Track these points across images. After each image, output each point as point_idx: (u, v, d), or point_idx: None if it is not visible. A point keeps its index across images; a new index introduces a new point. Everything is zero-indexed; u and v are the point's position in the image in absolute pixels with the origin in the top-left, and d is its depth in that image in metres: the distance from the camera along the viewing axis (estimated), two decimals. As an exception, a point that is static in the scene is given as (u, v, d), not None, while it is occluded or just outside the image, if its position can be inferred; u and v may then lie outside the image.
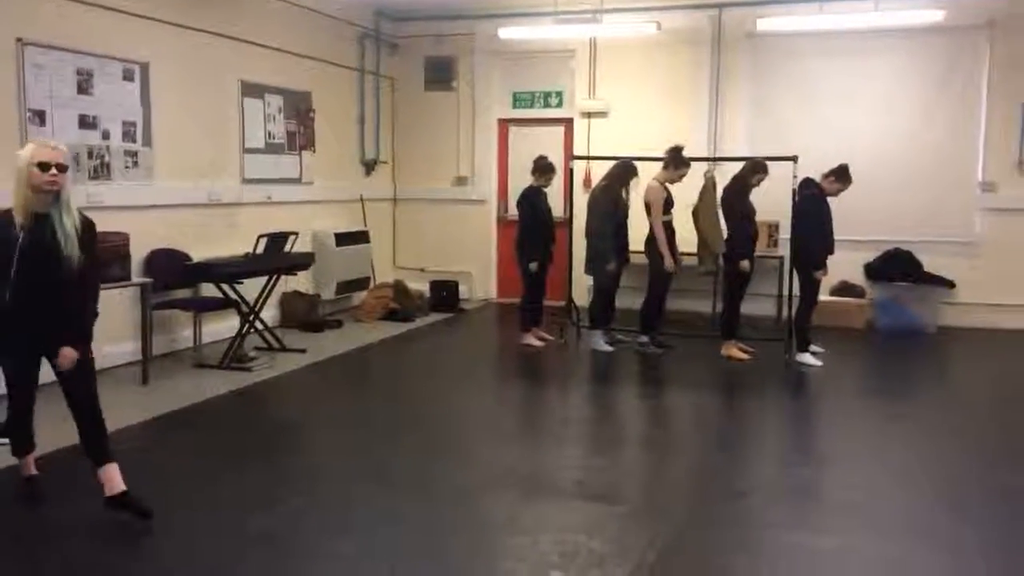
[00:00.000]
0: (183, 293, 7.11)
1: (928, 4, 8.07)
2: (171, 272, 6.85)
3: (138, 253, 6.51)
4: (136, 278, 6.34)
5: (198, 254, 7.13)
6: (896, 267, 8.76)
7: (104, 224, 6.08)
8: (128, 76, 6.71)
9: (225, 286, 6.83)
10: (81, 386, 3.82)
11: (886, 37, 8.68)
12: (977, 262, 8.67)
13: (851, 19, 8.35)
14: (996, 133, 8.58)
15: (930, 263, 8.71)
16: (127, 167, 6.72)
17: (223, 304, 6.93)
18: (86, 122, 6.37)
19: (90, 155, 6.40)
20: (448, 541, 3.74)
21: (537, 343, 7.78)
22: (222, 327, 7.40)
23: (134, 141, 6.77)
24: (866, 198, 8.09)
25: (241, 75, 7.90)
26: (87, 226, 3.74)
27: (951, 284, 8.67)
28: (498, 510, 4.09)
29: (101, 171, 6.49)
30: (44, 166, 3.57)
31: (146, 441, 5.11)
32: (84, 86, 6.34)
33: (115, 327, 6.53)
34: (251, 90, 8.04)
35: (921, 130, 8.77)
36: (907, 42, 8.70)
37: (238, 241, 7.35)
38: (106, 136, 6.53)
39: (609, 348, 7.57)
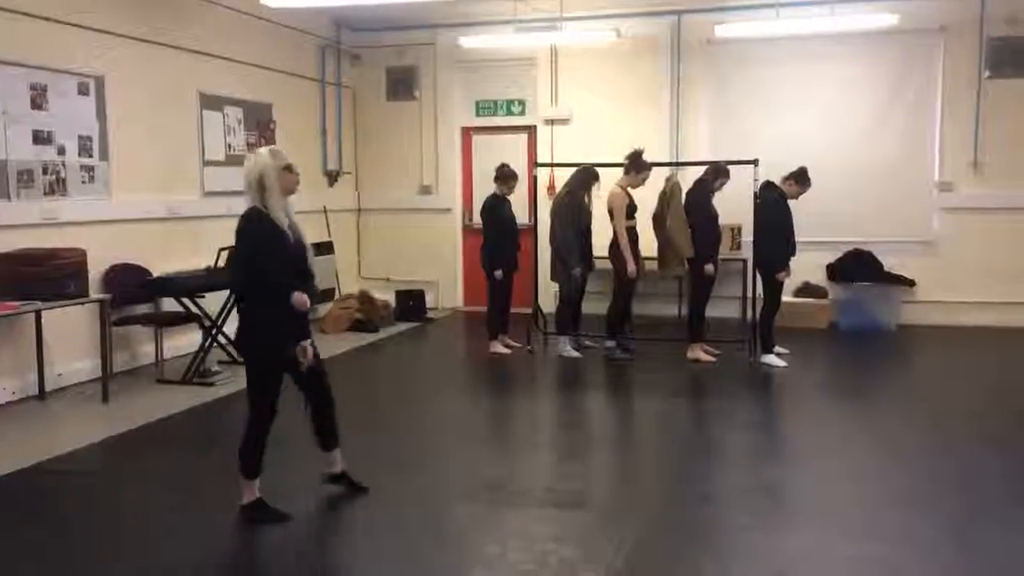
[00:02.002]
0: (144, 308, 7.01)
1: (883, 9, 8.21)
2: (131, 287, 6.75)
3: (96, 269, 6.41)
4: (94, 294, 6.22)
5: (158, 268, 7.03)
6: (857, 267, 8.88)
7: (60, 240, 6.05)
8: (83, 90, 6.61)
9: (186, 300, 6.74)
10: (323, 376, 4.10)
11: (843, 42, 8.81)
12: (935, 261, 8.82)
13: (808, 24, 8.45)
14: (951, 134, 8.74)
15: (890, 263, 8.84)
16: (83, 182, 6.61)
17: (185, 319, 6.84)
18: (40, 137, 6.26)
19: (45, 171, 6.29)
20: (418, 551, 3.71)
21: (504, 350, 7.77)
22: (184, 342, 7.30)
23: (90, 155, 6.67)
24: (826, 200, 8.20)
25: (199, 87, 7.81)
26: None
27: (911, 283, 8.80)
28: (468, 518, 4.07)
29: (57, 186, 6.38)
30: (291, 168, 3.90)
31: (108, 458, 5.03)
32: (38, 101, 6.24)
33: (73, 344, 6.44)
34: (210, 102, 7.96)
35: (879, 132, 8.91)
36: (863, 46, 8.84)
37: (199, 255, 7.26)
38: (61, 151, 6.42)
39: (576, 354, 7.57)
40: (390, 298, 9.58)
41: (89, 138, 6.65)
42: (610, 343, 7.51)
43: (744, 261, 8.52)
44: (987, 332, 8.46)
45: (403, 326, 9.20)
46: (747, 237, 7.92)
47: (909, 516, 4.03)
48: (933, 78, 8.78)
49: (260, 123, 8.66)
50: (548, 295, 8.27)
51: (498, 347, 7.78)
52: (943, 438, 5.28)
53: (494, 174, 7.77)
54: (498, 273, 7.58)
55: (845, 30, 8.51)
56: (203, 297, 6.82)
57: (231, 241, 7.08)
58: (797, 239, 7.18)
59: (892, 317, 8.70)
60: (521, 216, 8.09)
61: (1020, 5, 8.39)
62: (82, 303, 6.07)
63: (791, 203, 7.14)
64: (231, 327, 7.42)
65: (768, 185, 7.11)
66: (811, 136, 8.86)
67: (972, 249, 8.72)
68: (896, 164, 8.88)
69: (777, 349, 7.22)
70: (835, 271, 8.99)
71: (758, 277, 7.23)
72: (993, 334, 8.40)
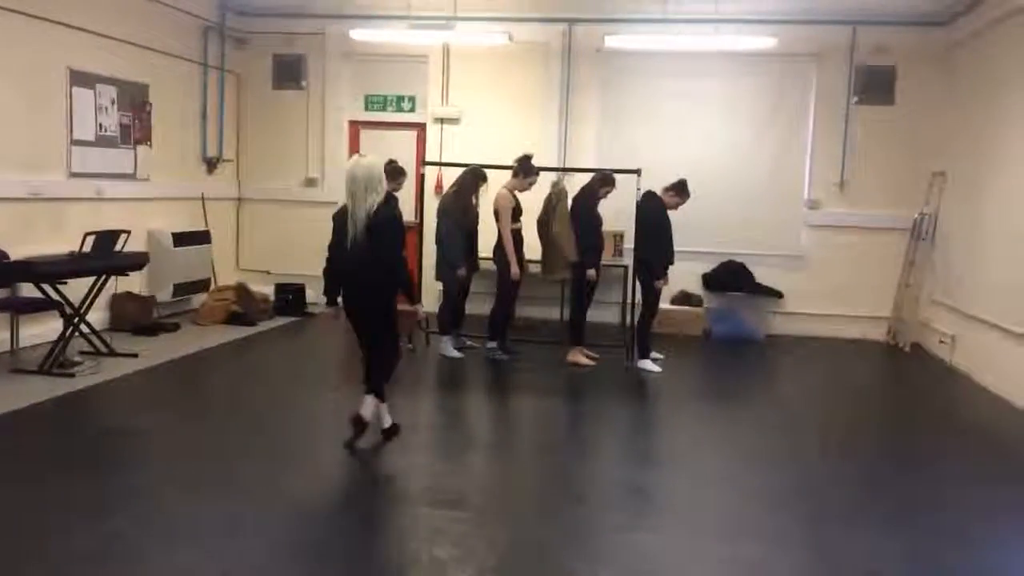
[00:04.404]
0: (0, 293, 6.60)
1: (763, 32, 8.56)
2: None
3: (-53, 249, 5.99)
4: (-57, 276, 5.81)
5: (17, 252, 6.61)
6: (730, 278, 9.23)
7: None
8: (-62, 56, 6.16)
9: (47, 286, 6.36)
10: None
11: (725, 60, 9.13)
12: (802, 275, 9.26)
13: (692, 41, 8.74)
14: (820, 155, 9.19)
15: (761, 275, 9.23)
16: (-65, 155, 6.16)
17: (44, 305, 6.46)
18: None
19: None
20: (286, 551, 3.62)
21: (385, 349, 7.68)
22: (43, 330, 6.89)
23: (-56, 127, 6.22)
24: (704, 212, 8.48)
25: (70, 63, 7.40)
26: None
27: (779, 295, 9.21)
28: (340, 518, 4.00)
29: (-96, 158, 5.91)
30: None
31: (-50, 454, 4.69)
32: None
33: (-83, 329, 5.99)
34: (81, 79, 7.54)
35: (755, 149, 9.29)
36: (744, 67, 9.19)
37: (64, 239, 6.88)
38: (-90, 120, 5.97)
39: (458, 354, 7.57)
40: (269, 291, 9.33)
41: (-57, 108, 6.20)
42: (492, 344, 7.54)
43: (625, 268, 8.71)
44: (847, 344, 8.94)
45: (282, 320, 8.97)
46: (629, 244, 8.10)
47: (766, 517, 4.21)
48: (807, 101, 9.22)
49: (135, 104, 8.28)
50: (432, 294, 8.23)
51: (379, 345, 7.68)
52: (801, 443, 5.55)
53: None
54: (381, 270, 7.49)
55: (728, 49, 8.83)
56: (65, 283, 6.46)
57: (99, 225, 6.82)
58: (676, 248, 7.40)
59: (761, 327, 9.08)
60: (408, 214, 7.99)
61: (886, 36, 8.92)
62: (-72, 285, 5.65)
63: (671, 213, 7.35)
64: (95, 316, 7.12)
65: (649, 195, 7.30)
66: (693, 149, 9.13)
67: (835, 265, 9.19)
68: (770, 181, 9.28)
69: (653, 355, 7.41)
70: (710, 281, 9.31)
71: (637, 284, 7.41)
72: (852, 346, 8.88)
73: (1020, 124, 6.96)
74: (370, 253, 4.73)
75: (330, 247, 4.98)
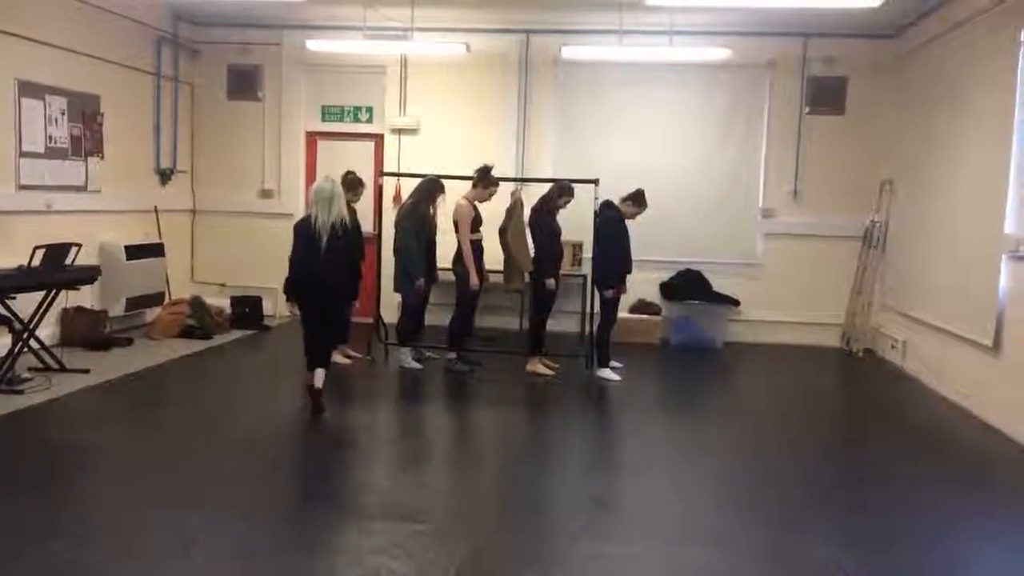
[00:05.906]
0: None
1: (717, 43, 8.68)
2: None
3: None
4: None
5: (-37, 266, 6.46)
6: (688, 287, 9.31)
7: None
8: None
9: (-6, 301, 6.22)
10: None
11: (681, 71, 9.24)
12: (758, 282, 9.38)
13: (648, 52, 8.82)
14: (774, 164, 9.33)
15: (718, 283, 9.33)
16: None
17: (-9, 321, 6.31)
18: None
19: None
20: (242, 567, 3.57)
21: (344, 361, 7.62)
22: (-9, 347, 6.73)
23: None
24: (662, 221, 8.55)
25: (18, 74, 7.26)
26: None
27: (736, 303, 9.32)
28: (297, 533, 3.95)
29: None
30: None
31: None
32: None
33: None
34: (30, 90, 7.40)
35: (711, 159, 9.40)
36: (700, 77, 9.31)
37: (12, 253, 6.72)
38: None
39: (417, 365, 7.54)
40: (225, 304, 9.21)
41: None
42: (451, 355, 7.52)
43: (584, 277, 8.76)
44: (802, 350, 9.07)
45: (238, 333, 8.86)
46: (587, 254, 8.14)
47: (724, 523, 4.25)
48: (761, 111, 9.36)
49: (86, 115, 8.13)
50: (390, 305, 8.19)
51: (337, 357, 7.61)
52: (757, 449, 5.61)
53: (339, 181, 7.62)
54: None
55: (683, 60, 8.94)
56: (14, 299, 6.31)
57: (49, 239, 6.69)
58: (634, 258, 7.46)
59: (719, 334, 9.18)
60: (366, 225, 7.97)
61: (837, 47, 9.09)
62: None
63: (629, 223, 7.40)
64: (45, 331, 6.97)
65: (607, 204, 7.35)
66: (650, 159, 9.23)
67: (791, 272, 9.32)
68: (726, 190, 9.39)
69: (612, 363, 7.45)
70: (668, 289, 9.38)
71: (596, 293, 7.44)
72: (807, 352, 9.01)
73: (963, 132, 7.14)
74: (340, 255, 5.70)
75: (296, 252, 5.73)
